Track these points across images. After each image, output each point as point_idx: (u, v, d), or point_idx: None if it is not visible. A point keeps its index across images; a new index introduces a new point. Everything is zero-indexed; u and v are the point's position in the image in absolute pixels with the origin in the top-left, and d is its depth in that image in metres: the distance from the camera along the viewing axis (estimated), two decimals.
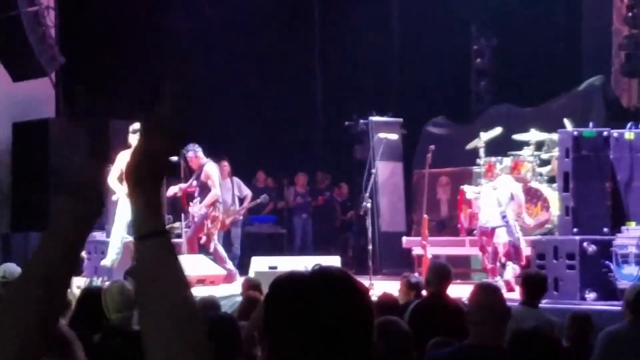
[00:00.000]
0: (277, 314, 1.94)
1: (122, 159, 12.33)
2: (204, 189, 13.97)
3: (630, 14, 16.20)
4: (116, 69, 17.63)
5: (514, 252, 12.34)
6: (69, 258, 1.75)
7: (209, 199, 13.88)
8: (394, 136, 16.01)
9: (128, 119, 13.58)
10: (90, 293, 7.06)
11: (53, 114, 17.12)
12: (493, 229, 12.42)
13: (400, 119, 17.13)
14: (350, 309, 1.91)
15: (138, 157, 1.66)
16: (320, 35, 20.74)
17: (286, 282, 1.96)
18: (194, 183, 14.11)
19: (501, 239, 12.34)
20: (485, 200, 12.80)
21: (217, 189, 14.03)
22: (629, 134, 11.68)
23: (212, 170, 14.00)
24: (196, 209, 13.91)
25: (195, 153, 13.95)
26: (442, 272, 7.87)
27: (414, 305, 7.52)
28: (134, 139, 12.51)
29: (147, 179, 1.65)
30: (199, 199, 13.98)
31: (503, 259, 12.29)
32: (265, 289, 9.13)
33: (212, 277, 13.24)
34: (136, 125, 12.53)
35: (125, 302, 6.29)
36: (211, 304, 7.00)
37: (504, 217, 12.43)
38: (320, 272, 1.95)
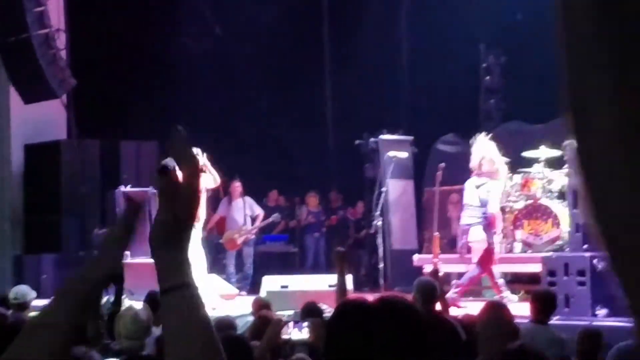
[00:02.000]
0: (340, 337, 2.07)
1: None
2: None
3: None
4: (127, 91, 17.73)
5: (485, 257, 12.37)
6: (85, 307, 1.90)
7: None
8: (404, 154, 16.03)
9: (138, 140, 13.70)
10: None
11: (64, 136, 17.22)
12: (469, 227, 12.48)
13: (411, 137, 17.13)
14: (412, 336, 2.05)
15: (158, 222, 1.74)
16: (330, 54, 20.82)
17: (352, 308, 2.11)
18: None
19: (474, 237, 12.38)
20: (467, 198, 12.83)
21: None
22: None
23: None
24: None
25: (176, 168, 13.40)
26: (426, 290, 7.72)
27: None
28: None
29: (168, 243, 1.72)
30: None
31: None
32: (275, 309, 9.15)
33: (224, 296, 13.26)
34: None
35: (137, 331, 6.24)
36: (227, 324, 7.04)
37: (484, 215, 12.46)
38: (385, 301, 2.10)
